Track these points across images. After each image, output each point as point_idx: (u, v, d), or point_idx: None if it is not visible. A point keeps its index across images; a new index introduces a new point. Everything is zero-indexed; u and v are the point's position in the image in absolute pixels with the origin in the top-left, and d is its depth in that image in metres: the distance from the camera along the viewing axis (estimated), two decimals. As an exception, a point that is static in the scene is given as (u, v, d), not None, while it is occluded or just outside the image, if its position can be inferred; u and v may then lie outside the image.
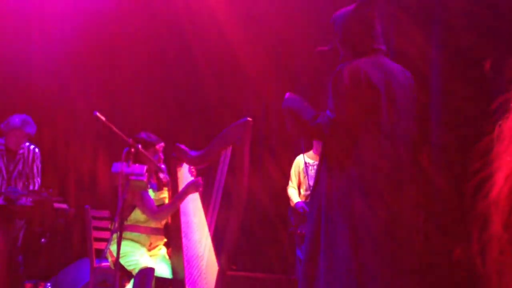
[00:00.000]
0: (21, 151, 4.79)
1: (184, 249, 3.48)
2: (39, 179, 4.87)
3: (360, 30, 2.80)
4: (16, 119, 4.69)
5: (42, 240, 4.63)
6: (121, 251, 3.21)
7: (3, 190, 4.53)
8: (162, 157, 3.75)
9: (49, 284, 4.95)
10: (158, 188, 3.78)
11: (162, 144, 3.77)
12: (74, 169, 6.32)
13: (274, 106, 6.32)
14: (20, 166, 4.75)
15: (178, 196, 3.57)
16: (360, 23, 2.81)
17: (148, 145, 3.64)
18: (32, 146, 4.89)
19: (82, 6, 6.25)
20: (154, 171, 3.76)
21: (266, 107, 6.36)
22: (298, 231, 4.97)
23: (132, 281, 3.44)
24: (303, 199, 5.06)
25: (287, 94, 2.90)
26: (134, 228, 3.63)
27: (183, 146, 3.74)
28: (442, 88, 5.30)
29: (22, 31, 6.10)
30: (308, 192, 5.04)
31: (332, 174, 2.68)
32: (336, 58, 2.94)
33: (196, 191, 3.60)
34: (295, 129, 2.87)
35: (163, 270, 3.56)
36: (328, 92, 2.72)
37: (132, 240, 3.60)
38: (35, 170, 4.85)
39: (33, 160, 4.84)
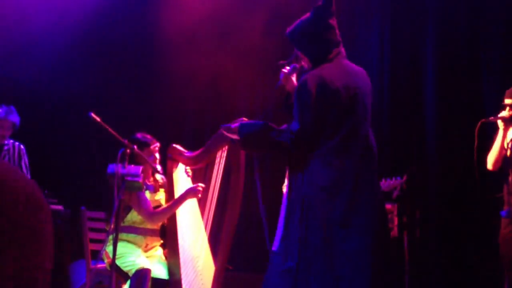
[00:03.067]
0: (6, 148, 4.73)
1: (181, 250, 3.48)
2: (29, 176, 4.82)
3: (316, 37, 2.78)
4: (0, 110, 4.66)
5: None
6: (117, 252, 3.21)
7: None
8: (158, 157, 3.75)
9: None
10: (154, 189, 3.78)
11: (157, 144, 3.76)
12: (69, 170, 6.30)
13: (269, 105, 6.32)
14: (5, 161, 4.70)
15: (176, 201, 3.56)
16: (315, 29, 2.78)
17: (143, 145, 3.63)
18: (16, 143, 4.82)
19: (76, 5, 6.23)
20: (150, 172, 3.76)
21: (260, 107, 6.36)
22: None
23: (128, 282, 3.43)
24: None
25: (237, 124, 2.85)
26: (130, 229, 3.62)
27: (179, 147, 3.74)
28: (436, 90, 5.33)
29: (15, 30, 6.08)
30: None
31: (295, 184, 2.67)
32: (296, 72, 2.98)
33: (195, 196, 3.59)
34: (259, 153, 2.82)
35: (160, 271, 3.55)
36: (294, 103, 2.69)
37: (128, 241, 3.59)
38: (24, 168, 4.81)
39: (20, 157, 4.79)
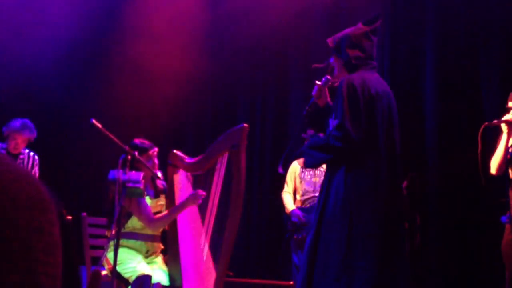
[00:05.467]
0: (21, 157, 4.84)
1: (181, 256, 3.47)
2: None
3: (355, 43, 2.97)
4: (17, 123, 4.76)
5: None
6: (118, 259, 3.20)
7: None
8: (157, 162, 3.74)
9: None
10: (155, 195, 3.78)
11: (156, 149, 3.76)
12: (70, 176, 6.30)
13: (269, 112, 6.33)
14: None
15: (176, 207, 3.56)
16: (356, 37, 2.99)
17: (141, 151, 3.63)
18: (31, 153, 4.94)
19: (79, 13, 6.25)
20: (151, 178, 3.75)
21: (261, 113, 6.37)
22: (295, 237, 4.97)
23: (129, 288, 3.43)
24: (299, 204, 5.06)
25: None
26: (131, 235, 3.62)
27: (179, 153, 3.75)
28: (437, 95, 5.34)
29: (19, 36, 6.09)
30: (305, 197, 5.05)
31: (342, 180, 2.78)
32: (330, 73, 3.09)
33: (195, 203, 3.59)
34: (319, 162, 2.97)
35: (161, 277, 3.54)
36: (338, 101, 2.83)
37: (129, 247, 3.59)
38: None
39: (32, 167, 4.88)
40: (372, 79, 2.91)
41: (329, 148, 2.79)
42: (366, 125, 2.78)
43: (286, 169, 5.06)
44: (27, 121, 4.81)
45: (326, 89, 3.09)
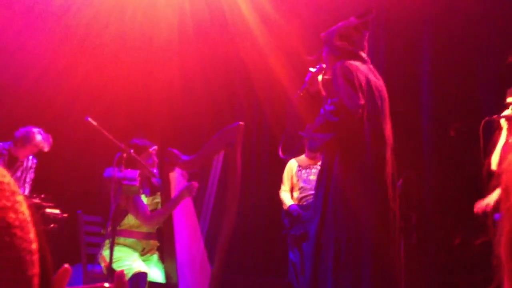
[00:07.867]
0: (21, 159, 4.82)
1: (177, 253, 3.48)
2: (27, 191, 4.84)
3: (346, 35, 3.04)
4: (41, 136, 4.68)
5: None
6: (114, 256, 3.21)
7: None
8: (156, 160, 3.74)
9: None
10: (151, 193, 3.78)
11: (155, 147, 3.76)
12: (66, 174, 6.29)
13: (266, 110, 6.33)
14: (18, 173, 4.74)
15: (172, 202, 3.56)
16: (346, 29, 3.06)
17: (141, 149, 3.63)
18: (30, 156, 4.91)
19: (72, 11, 6.24)
20: (146, 176, 3.75)
21: (258, 110, 6.38)
22: (292, 233, 4.97)
23: (125, 286, 3.42)
24: (296, 202, 5.06)
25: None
26: (127, 233, 3.62)
27: (175, 151, 3.75)
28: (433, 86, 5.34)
29: (12, 33, 6.07)
30: (302, 195, 5.05)
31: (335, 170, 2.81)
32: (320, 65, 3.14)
33: (191, 195, 3.59)
34: (321, 142, 3.02)
35: (156, 274, 3.55)
36: (334, 83, 2.87)
37: (125, 245, 3.59)
38: (28, 181, 4.86)
39: (30, 168, 4.87)
40: (364, 69, 2.95)
41: (328, 125, 2.82)
42: (362, 96, 2.81)
43: (286, 154, 5.08)
44: (48, 135, 4.74)
45: (320, 77, 3.14)
